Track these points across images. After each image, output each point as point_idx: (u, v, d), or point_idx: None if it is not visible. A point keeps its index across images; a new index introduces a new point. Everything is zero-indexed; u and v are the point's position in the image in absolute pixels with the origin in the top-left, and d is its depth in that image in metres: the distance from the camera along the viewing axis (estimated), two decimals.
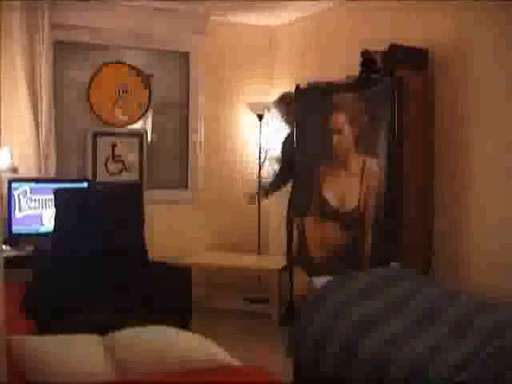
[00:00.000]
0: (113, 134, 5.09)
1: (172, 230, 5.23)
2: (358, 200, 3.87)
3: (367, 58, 3.83)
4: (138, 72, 5.18)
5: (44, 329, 2.77)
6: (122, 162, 5.12)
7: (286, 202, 4.82)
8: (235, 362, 2.30)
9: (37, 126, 4.55)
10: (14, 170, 4.30)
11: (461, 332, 2.48)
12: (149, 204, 5.02)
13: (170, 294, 3.47)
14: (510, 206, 3.41)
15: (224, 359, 2.29)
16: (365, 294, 2.94)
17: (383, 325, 2.68)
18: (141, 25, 5.02)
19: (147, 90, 5.20)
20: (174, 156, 5.43)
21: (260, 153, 5.43)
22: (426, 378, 2.29)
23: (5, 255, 3.76)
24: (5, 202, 4.26)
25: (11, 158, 4.28)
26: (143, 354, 2.20)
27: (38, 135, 4.55)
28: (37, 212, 4.36)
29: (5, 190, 4.30)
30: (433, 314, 2.68)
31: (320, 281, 3.35)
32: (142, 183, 5.06)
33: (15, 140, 4.47)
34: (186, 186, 5.44)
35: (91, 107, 5.00)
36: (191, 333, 2.52)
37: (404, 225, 3.69)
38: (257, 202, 5.24)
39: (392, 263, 3.47)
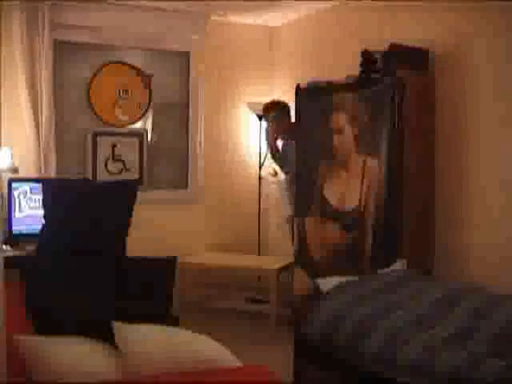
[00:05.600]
0: (113, 134, 5.10)
1: (172, 230, 5.23)
2: (359, 200, 3.87)
3: (367, 58, 3.84)
4: (138, 72, 5.18)
5: (42, 328, 2.77)
6: (122, 161, 5.12)
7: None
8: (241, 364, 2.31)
9: (37, 125, 4.55)
10: (14, 170, 4.30)
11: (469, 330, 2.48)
12: (149, 204, 5.04)
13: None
14: (510, 205, 3.41)
15: (232, 361, 2.30)
16: (371, 296, 2.96)
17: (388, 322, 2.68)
18: (141, 25, 5.02)
19: (147, 90, 5.20)
20: (174, 156, 5.43)
21: (260, 153, 5.44)
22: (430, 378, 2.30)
23: (5, 255, 3.77)
24: (5, 202, 4.26)
25: (11, 158, 4.28)
26: (156, 351, 2.19)
27: (38, 135, 4.56)
28: (37, 212, 4.35)
29: (5, 190, 4.30)
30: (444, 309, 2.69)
31: (326, 283, 3.34)
32: (140, 182, 5.07)
33: (15, 140, 4.47)
34: (186, 186, 5.44)
35: (91, 107, 5.00)
36: (201, 334, 2.50)
37: (404, 224, 3.69)
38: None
39: (398, 260, 3.46)
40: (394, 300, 2.86)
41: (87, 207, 3.49)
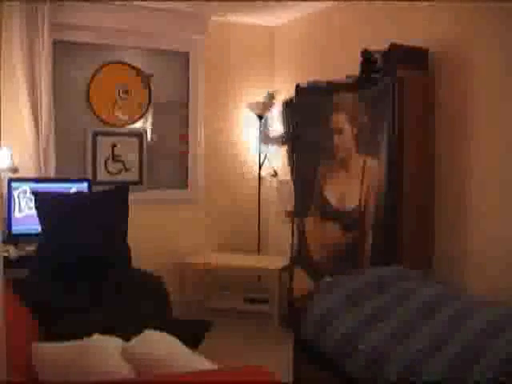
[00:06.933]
0: (113, 134, 5.10)
1: (172, 230, 5.24)
2: (359, 200, 3.87)
3: (367, 58, 3.83)
4: (138, 72, 5.18)
5: (46, 328, 2.78)
6: (122, 161, 5.12)
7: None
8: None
9: (37, 125, 4.55)
10: (14, 169, 4.30)
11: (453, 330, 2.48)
12: (149, 204, 5.05)
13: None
14: (510, 206, 3.41)
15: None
16: (364, 294, 2.96)
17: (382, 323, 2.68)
18: (141, 25, 5.02)
19: (147, 90, 5.21)
20: (173, 156, 5.43)
21: (260, 153, 5.44)
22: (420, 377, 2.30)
23: (5, 255, 3.77)
24: (5, 202, 4.26)
25: (11, 158, 4.28)
26: (158, 357, 2.18)
27: (38, 135, 4.55)
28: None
29: (5, 190, 4.30)
30: (432, 312, 2.68)
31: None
32: (140, 182, 5.07)
33: (15, 140, 4.48)
34: (186, 186, 5.44)
35: (91, 107, 5.00)
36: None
37: (404, 224, 3.69)
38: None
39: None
40: (381, 305, 2.85)
41: (83, 220, 3.58)
